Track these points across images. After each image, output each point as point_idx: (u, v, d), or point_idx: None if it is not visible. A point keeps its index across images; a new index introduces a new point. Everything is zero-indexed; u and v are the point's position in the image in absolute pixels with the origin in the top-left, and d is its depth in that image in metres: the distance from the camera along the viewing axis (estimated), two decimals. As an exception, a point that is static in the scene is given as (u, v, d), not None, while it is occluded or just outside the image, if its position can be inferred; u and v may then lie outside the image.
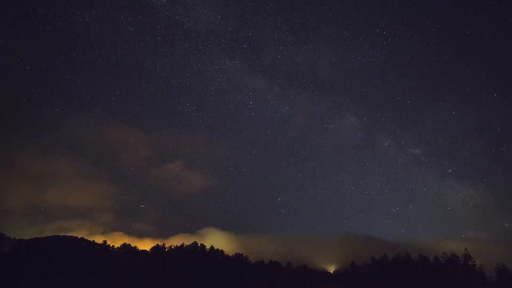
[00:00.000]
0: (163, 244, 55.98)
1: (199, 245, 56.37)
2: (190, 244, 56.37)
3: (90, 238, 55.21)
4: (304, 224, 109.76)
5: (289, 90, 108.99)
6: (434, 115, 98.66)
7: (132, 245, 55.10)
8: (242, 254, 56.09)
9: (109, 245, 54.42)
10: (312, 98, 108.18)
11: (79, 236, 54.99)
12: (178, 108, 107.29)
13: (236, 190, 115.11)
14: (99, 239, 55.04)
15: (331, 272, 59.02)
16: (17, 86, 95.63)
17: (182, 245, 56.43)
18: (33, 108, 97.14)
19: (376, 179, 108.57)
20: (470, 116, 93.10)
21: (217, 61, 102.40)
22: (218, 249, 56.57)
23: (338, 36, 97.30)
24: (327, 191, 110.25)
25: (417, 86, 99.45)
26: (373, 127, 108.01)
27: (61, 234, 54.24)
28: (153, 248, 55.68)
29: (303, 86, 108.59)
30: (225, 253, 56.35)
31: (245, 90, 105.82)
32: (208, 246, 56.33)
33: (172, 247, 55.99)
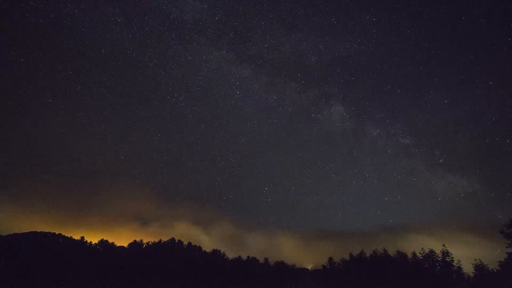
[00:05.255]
0: (141, 240, 55.75)
1: (176, 241, 55.95)
2: (168, 240, 56.06)
3: (69, 234, 55.39)
4: (291, 214, 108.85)
5: (276, 79, 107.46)
6: (425, 104, 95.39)
7: (110, 241, 55.03)
8: (220, 250, 55.43)
9: (86, 241, 54.51)
10: (299, 87, 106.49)
11: (57, 232, 55.16)
12: (166, 98, 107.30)
13: (224, 179, 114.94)
14: (76, 235, 55.18)
15: (309, 268, 57.81)
16: (11, 78, 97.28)
17: (159, 241, 56.15)
18: (26, 99, 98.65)
19: (365, 169, 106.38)
20: (463, 105, 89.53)
21: (204, 50, 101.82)
22: (195, 245, 56.12)
23: (326, 24, 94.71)
24: (314, 181, 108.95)
25: (407, 74, 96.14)
26: (362, 117, 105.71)
27: (39, 230, 54.54)
28: (130, 244, 55.53)
29: (290, 75, 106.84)
30: (202, 249, 55.79)
31: (232, 80, 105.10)
32: (185, 242, 55.86)
33: (150, 243, 55.74)
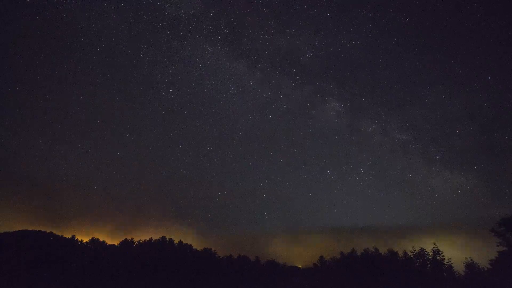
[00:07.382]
0: (132, 239, 55.61)
1: (167, 239, 55.74)
2: (159, 239, 55.86)
3: (59, 232, 55.42)
4: (285, 210, 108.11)
5: (271, 75, 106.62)
6: (422, 100, 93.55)
7: (101, 239, 54.98)
8: (211, 249, 55.16)
9: (77, 239, 54.49)
10: (294, 83, 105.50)
11: (48, 231, 55.22)
12: (161, 94, 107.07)
13: (218, 175, 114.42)
14: (67, 233, 55.16)
15: (300, 267, 57.28)
16: (7, 76, 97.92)
17: (150, 239, 56.00)
18: (21, 96, 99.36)
19: (360, 165, 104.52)
20: (461, 101, 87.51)
21: (198, 46, 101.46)
22: (186, 243, 55.85)
23: (321, 19, 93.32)
24: (309, 177, 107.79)
25: (404, 70, 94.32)
26: (357, 113, 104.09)
27: (30, 228, 54.65)
28: (121, 243, 55.42)
29: (285, 71, 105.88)
30: (193, 247, 55.51)
31: (227, 76, 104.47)
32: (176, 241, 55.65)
33: (141, 241, 55.58)
